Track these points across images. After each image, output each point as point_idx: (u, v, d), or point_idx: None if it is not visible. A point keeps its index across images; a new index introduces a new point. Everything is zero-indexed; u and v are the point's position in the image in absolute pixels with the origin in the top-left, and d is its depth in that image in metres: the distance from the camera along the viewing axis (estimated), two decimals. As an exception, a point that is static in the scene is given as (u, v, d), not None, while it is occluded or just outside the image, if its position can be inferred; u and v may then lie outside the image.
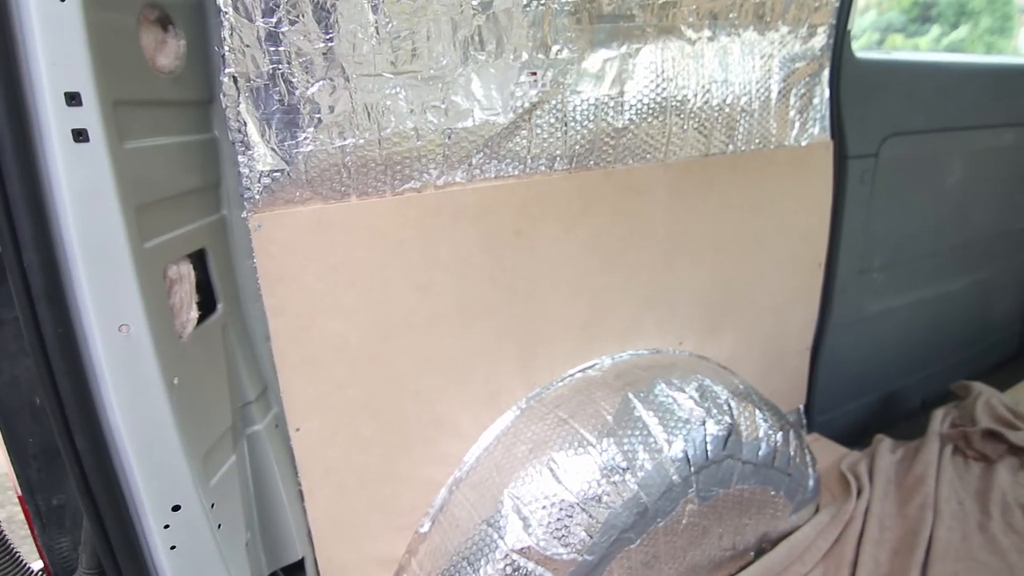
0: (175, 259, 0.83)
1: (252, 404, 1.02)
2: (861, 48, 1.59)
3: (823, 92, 1.52)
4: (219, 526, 0.86)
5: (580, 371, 1.35)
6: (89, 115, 0.66)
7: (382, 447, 1.13)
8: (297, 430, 1.05)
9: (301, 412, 1.04)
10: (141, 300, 0.72)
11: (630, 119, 1.23)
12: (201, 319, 0.88)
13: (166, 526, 0.79)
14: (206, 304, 0.90)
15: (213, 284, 0.93)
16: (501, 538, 1.09)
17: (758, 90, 1.38)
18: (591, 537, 1.08)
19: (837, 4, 1.43)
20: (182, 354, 0.82)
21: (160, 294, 0.79)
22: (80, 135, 0.66)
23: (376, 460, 1.13)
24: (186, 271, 0.85)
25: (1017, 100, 2.01)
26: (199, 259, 0.90)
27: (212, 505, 0.85)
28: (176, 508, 0.80)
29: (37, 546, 0.97)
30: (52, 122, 0.64)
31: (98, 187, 0.68)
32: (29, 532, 0.96)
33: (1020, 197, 2.18)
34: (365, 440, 1.11)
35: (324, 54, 0.92)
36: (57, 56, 0.64)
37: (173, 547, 0.80)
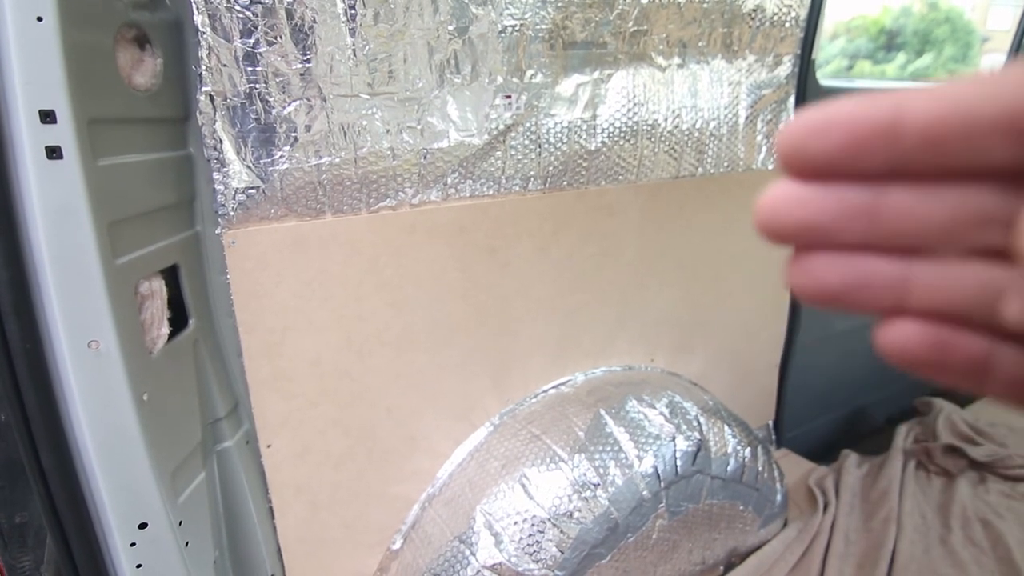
0: (147, 275, 0.83)
1: (223, 420, 1.01)
2: (828, 75, 1.65)
3: (789, 118, 1.57)
4: (187, 544, 0.86)
5: (553, 387, 1.37)
6: (63, 132, 0.67)
7: (354, 464, 1.13)
8: (268, 447, 1.05)
9: (272, 428, 1.04)
10: (111, 316, 0.72)
11: (602, 142, 1.26)
12: (172, 335, 0.88)
13: (132, 544, 0.79)
14: (178, 320, 0.90)
15: (185, 300, 0.93)
16: (473, 554, 1.09)
17: (726, 115, 1.43)
18: (562, 553, 1.09)
19: (802, 35, 1.49)
20: (152, 370, 0.82)
21: (131, 310, 0.79)
22: (54, 152, 0.66)
23: (348, 477, 1.13)
24: (158, 287, 0.85)
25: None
26: (172, 275, 0.90)
27: (180, 523, 0.85)
28: (143, 526, 0.79)
29: (-3, 566, 0.95)
30: (26, 139, 0.65)
31: (71, 204, 0.68)
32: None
33: None
34: (337, 457, 1.11)
35: (301, 75, 0.93)
36: (32, 74, 0.65)
37: (139, 565, 0.80)
